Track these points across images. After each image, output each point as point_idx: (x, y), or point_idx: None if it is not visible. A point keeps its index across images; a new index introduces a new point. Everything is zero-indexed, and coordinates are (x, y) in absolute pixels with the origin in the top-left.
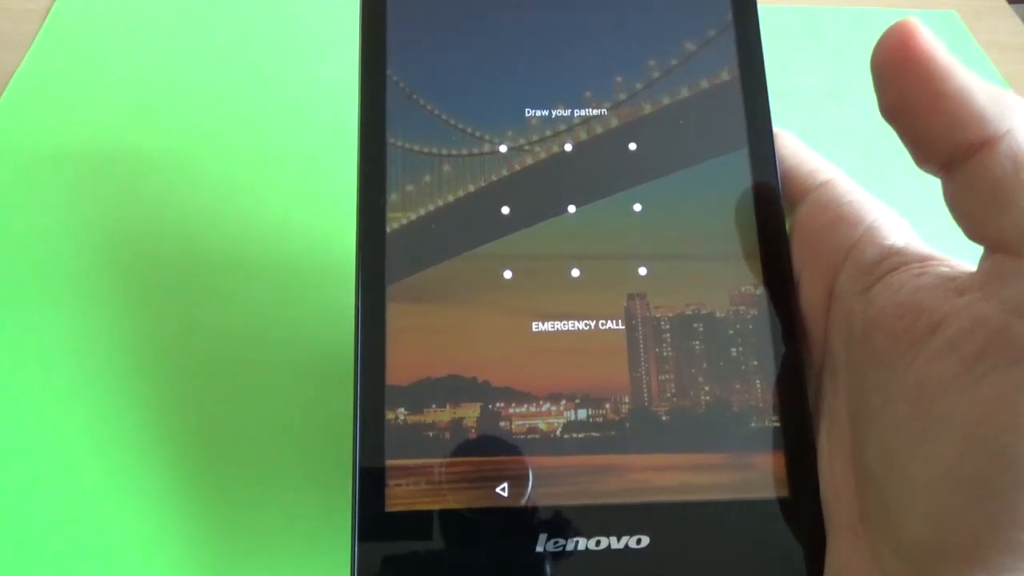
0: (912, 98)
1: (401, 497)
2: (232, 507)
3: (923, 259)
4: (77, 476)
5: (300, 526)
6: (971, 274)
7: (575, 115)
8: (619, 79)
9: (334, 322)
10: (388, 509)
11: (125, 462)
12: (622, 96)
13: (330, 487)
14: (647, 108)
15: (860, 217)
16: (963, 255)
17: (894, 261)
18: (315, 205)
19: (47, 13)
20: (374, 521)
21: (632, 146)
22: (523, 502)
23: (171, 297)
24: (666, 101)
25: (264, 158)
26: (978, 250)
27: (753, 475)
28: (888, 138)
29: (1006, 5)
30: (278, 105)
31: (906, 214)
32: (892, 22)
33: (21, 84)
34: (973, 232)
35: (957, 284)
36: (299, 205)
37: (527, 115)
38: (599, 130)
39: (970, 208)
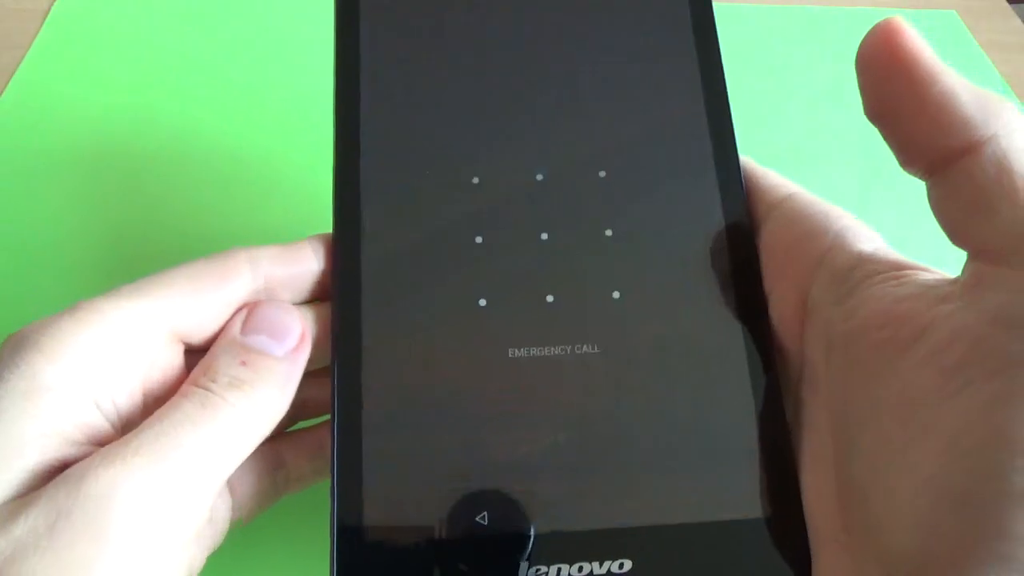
0: (896, 100)
1: (381, 528)
2: None
3: (896, 266)
4: None
5: (293, 515)
6: (953, 281)
7: (546, 144)
8: (588, 108)
9: None
10: (368, 540)
11: None
12: (591, 125)
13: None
14: (616, 136)
15: (826, 228)
16: (962, 254)
17: (867, 269)
18: (317, 204)
19: (47, 13)
20: (355, 554)
21: (601, 173)
22: (503, 530)
23: None
24: (634, 129)
25: (265, 157)
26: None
27: (735, 495)
28: None
29: (1006, 5)
30: (280, 104)
31: (906, 214)
32: None
33: (21, 84)
34: (956, 238)
35: (939, 293)
36: (301, 204)
37: (499, 146)
38: (569, 158)
39: (953, 214)
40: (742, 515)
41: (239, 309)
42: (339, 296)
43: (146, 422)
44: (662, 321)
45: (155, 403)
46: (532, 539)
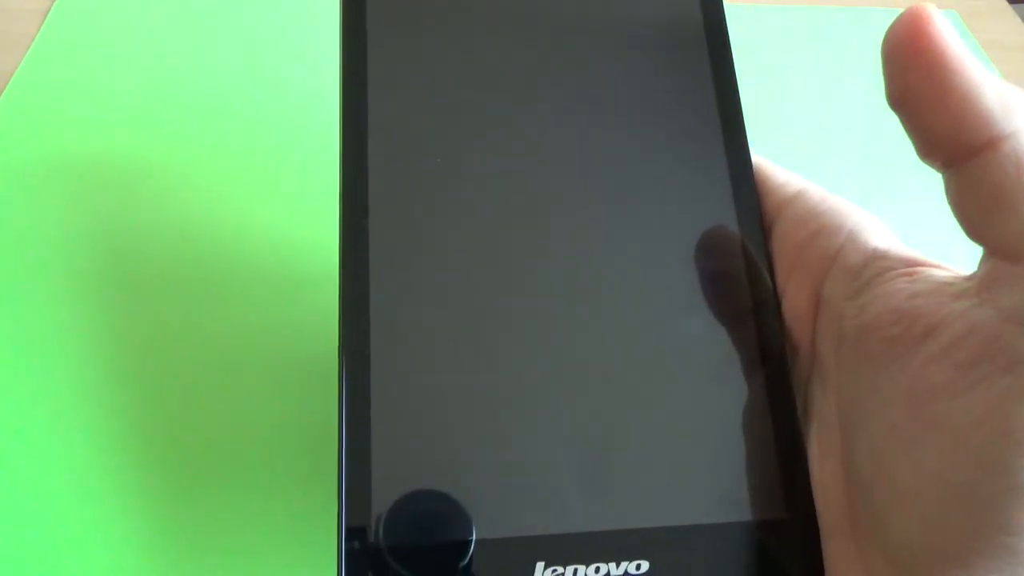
0: (919, 89)
1: (391, 529)
2: (218, 508)
3: (909, 262)
4: (68, 478)
5: (284, 529)
6: (968, 277)
7: (557, 154)
8: (601, 116)
9: (326, 327)
10: (378, 542)
11: (121, 465)
12: (602, 129)
13: (314, 490)
14: (629, 139)
15: (839, 224)
16: (966, 252)
17: (880, 265)
18: (312, 211)
19: (47, 13)
20: (365, 557)
21: (615, 176)
22: (518, 531)
23: (167, 300)
24: (649, 134)
25: (263, 163)
26: (977, 248)
27: (750, 495)
28: (888, 138)
29: (1006, 5)
30: (278, 110)
31: (906, 213)
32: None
33: (20, 85)
34: (973, 233)
35: (953, 290)
36: (296, 211)
37: (510, 156)
38: (580, 165)
39: (970, 209)
40: (757, 516)
41: None
42: (348, 326)
43: None
44: (678, 319)
45: None
46: (547, 540)
